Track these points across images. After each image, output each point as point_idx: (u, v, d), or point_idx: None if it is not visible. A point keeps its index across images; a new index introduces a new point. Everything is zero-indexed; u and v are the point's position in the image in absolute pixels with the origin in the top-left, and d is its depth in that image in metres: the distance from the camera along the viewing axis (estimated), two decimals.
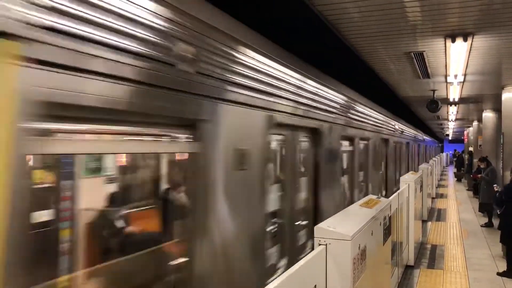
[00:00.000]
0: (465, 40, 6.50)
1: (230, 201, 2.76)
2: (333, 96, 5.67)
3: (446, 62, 8.40)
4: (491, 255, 8.86)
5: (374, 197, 4.94)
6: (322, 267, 2.87)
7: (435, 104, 12.59)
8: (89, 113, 1.83)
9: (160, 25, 2.18)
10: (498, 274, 7.59)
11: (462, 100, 14.72)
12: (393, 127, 11.53)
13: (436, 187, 20.54)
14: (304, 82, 4.43)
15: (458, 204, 16.41)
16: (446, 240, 10.25)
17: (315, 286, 2.72)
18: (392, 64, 8.92)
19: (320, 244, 2.93)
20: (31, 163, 2.12)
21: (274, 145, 3.91)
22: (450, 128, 33.81)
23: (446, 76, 9.91)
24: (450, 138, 53.85)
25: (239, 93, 2.94)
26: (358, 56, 8.01)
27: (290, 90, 3.98)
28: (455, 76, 9.53)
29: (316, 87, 4.87)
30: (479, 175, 13.75)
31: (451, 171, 36.01)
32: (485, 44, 7.02)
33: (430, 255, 8.90)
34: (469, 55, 7.72)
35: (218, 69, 2.68)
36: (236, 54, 2.96)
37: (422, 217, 11.48)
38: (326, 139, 4.95)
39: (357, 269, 3.09)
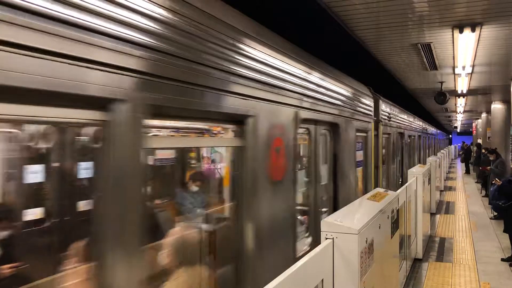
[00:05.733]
0: (473, 30, 6.43)
1: None
2: None
3: (454, 53, 8.32)
4: (500, 247, 8.80)
5: (381, 190, 4.91)
6: (329, 261, 2.86)
7: (443, 96, 12.49)
8: None
9: None
10: (503, 260, 7.91)
11: (470, 92, 14.60)
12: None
13: (445, 180, 20.41)
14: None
15: (467, 197, 16.31)
16: (454, 233, 10.19)
17: (322, 280, 2.71)
18: (399, 56, 8.85)
19: (327, 238, 2.91)
20: None
21: None
22: (459, 120, 33.57)
23: (454, 68, 9.83)
24: (458, 130, 53.46)
25: None
26: (365, 48, 7.95)
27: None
28: (463, 67, 9.44)
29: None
30: (488, 167, 13.63)
31: (459, 163, 35.75)
32: (494, 35, 6.93)
33: (438, 248, 8.85)
34: (477, 46, 7.63)
35: None
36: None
37: (431, 210, 11.41)
38: None
39: (364, 263, 3.07)
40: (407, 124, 12.45)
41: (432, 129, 24.50)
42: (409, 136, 13.22)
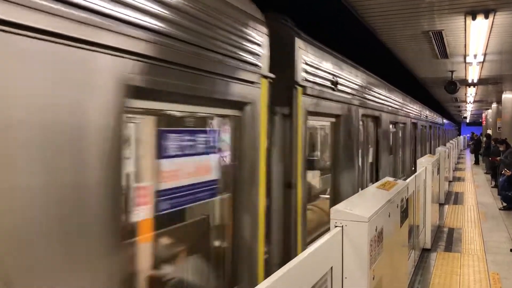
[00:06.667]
0: (486, 17, 6.30)
1: None
2: None
3: (465, 41, 8.19)
4: (509, 238, 8.73)
5: (391, 179, 4.86)
6: (339, 249, 2.82)
7: (454, 85, 12.34)
8: None
9: None
10: None
11: (481, 81, 14.40)
12: None
13: (453, 170, 20.26)
14: None
15: (476, 187, 16.18)
16: (463, 223, 10.12)
17: (332, 267, 2.68)
18: (410, 44, 8.73)
19: (336, 226, 2.88)
20: None
21: None
22: (468, 110, 33.22)
23: (465, 56, 9.68)
24: (468, 121, 53.00)
25: None
26: (375, 36, 7.85)
27: None
28: (475, 55, 9.29)
29: None
30: (498, 158, 13.50)
31: (468, 154, 35.45)
32: (508, 21, 6.79)
33: (447, 238, 8.80)
34: (490, 33, 7.49)
35: None
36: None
37: (439, 200, 11.34)
38: None
39: (374, 251, 3.04)
40: (386, 103, 7.86)
41: (437, 118, 20.83)
42: (394, 124, 8.90)
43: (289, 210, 3.65)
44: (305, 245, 3.60)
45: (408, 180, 5.83)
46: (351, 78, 5.52)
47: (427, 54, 9.77)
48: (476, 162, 26.93)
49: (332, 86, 4.70)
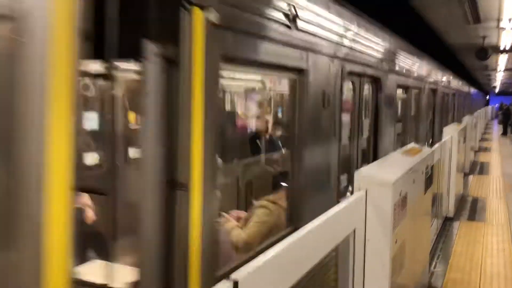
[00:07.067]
0: None
1: None
2: None
3: (499, 4, 7.82)
4: None
5: (416, 146, 4.79)
6: (362, 212, 2.82)
7: (485, 51, 11.91)
8: None
9: None
10: None
11: None
12: None
13: (480, 140, 19.81)
14: None
15: (502, 158, 15.83)
16: (488, 193, 9.97)
17: (354, 229, 2.69)
18: (440, 8, 8.39)
19: (360, 189, 2.87)
20: None
21: None
22: (498, 79, 32.17)
23: (498, 21, 9.28)
24: (497, 90, 51.34)
25: None
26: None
27: None
28: (510, 20, 8.89)
29: None
30: None
31: (495, 125, 34.52)
32: None
33: (470, 208, 8.70)
34: None
35: None
36: None
37: (464, 170, 11.14)
38: None
39: (397, 215, 3.03)
40: (392, 61, 6.04)
41: (463, 86, 18.38)
42: (405, 89, 7.40)
43: (172, 226, 2.04)
44: (215, 279, 2.07)
45: (433, 147, 5.73)
46: (328, 17, 3.64)
47: (457, 19, 9.40)
48: (504, 133, 26.22)
49: (287, 22, 2.91)
